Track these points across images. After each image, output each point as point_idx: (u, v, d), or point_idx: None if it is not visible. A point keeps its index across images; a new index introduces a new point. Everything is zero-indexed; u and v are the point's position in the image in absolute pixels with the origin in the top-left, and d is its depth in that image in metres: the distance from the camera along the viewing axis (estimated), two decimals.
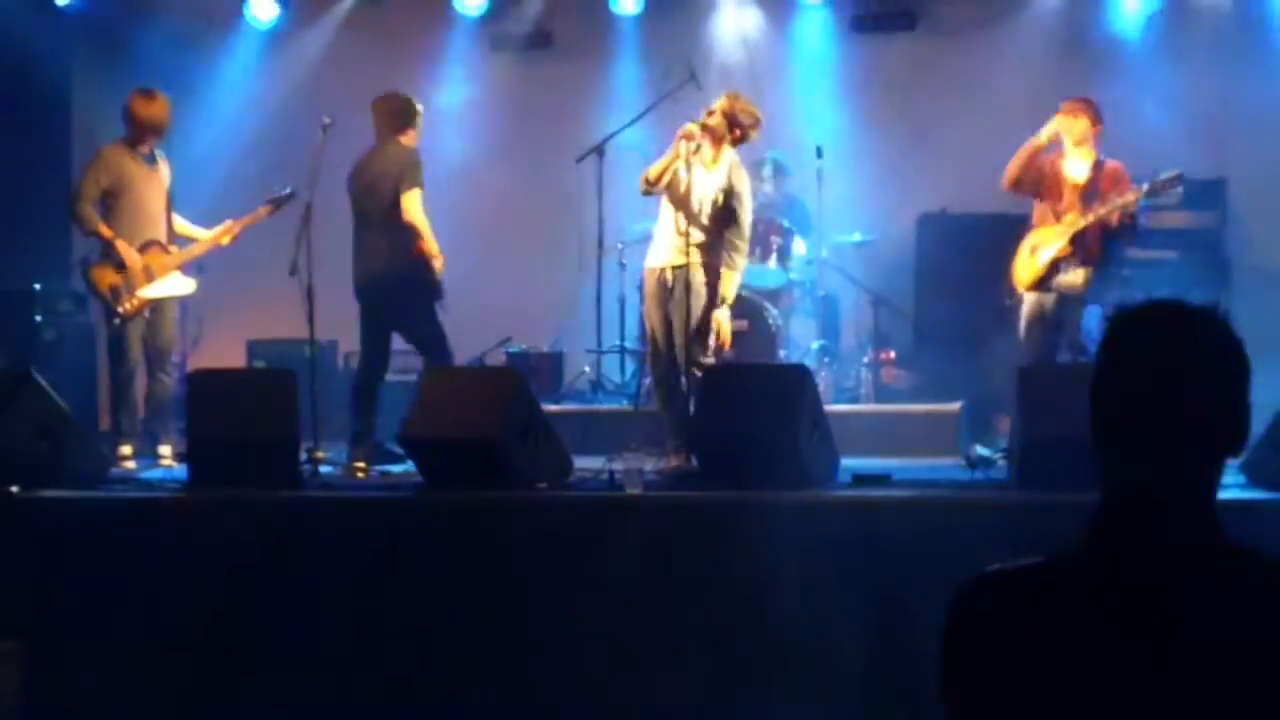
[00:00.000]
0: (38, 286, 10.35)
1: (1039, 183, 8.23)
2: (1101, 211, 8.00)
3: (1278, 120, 9.96)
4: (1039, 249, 8.20)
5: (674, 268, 7.74)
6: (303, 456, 7.41)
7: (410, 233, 8.19)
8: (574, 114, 9.43)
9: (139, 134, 8.61)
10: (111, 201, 8.52)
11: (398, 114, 8.48)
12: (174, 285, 8.67)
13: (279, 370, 7.78)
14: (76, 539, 6.57)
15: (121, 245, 8.47)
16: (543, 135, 10.85)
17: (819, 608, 5.98)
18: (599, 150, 9.82)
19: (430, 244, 8.22)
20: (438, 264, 8.24)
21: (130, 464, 8.23)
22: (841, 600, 5.95)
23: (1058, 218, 8.16)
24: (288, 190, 8.55)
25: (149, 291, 8.52)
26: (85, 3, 10.93)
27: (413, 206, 8.19)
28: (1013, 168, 8.19)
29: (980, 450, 7.57)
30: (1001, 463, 7.28)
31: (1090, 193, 8.09)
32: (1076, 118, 8.14)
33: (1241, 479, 6.17)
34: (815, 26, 11.47)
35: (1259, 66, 10.07)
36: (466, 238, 9.64)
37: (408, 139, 8.45)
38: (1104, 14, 10.84)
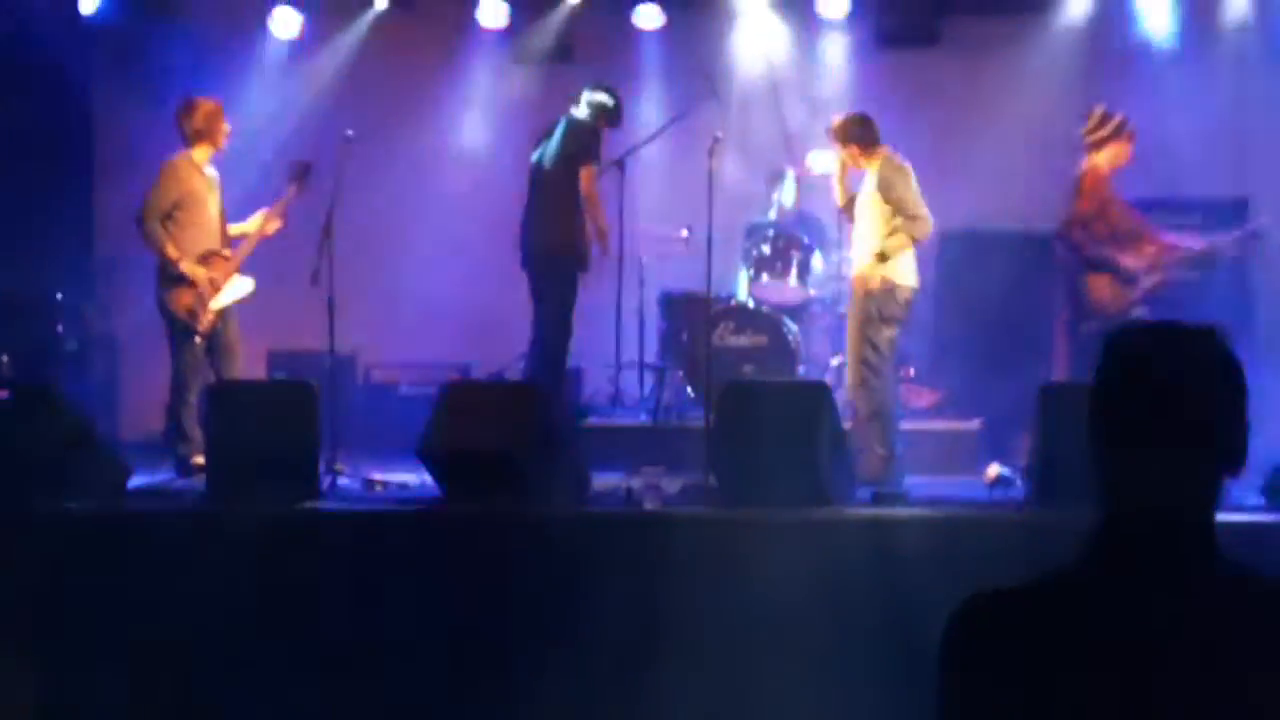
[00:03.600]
0: (59, 296, 10.36)
1: None
2: None
3: None
4: None
5: None
6: (322, 468, 7.42)
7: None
8: None
9: (217, 140, 8.52)
10: (178, 214, 8.34)
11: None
12: (237, 289, 8.52)
13: (299, 382, 7.78)
14: (96, 551, 6.59)
15: (187, 266, 8.31)
16: None
17: (836, 625, 5.97)
18: (619, 164, 9.83)
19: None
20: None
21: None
22: (859, 618, 5.94)
23: None
24: (304, 160, 8.43)
25: (218, 302, 8.42)
26: (108, 14, 10.93)
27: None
28: None
29: (998, 469, 7.54)
30: (1020, 482, 7.25)
31: None
32: None
33: (1261, 502, 6.12)
34: (838, 42, 11.45)
35: None
36: (486, 250, 9.63)
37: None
38: (1127, 30, 10.79)
